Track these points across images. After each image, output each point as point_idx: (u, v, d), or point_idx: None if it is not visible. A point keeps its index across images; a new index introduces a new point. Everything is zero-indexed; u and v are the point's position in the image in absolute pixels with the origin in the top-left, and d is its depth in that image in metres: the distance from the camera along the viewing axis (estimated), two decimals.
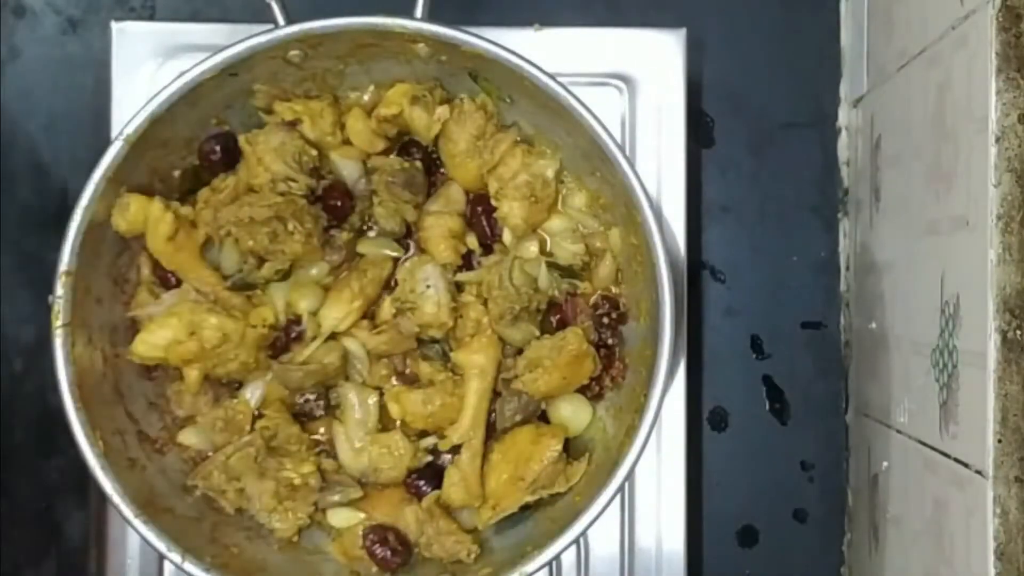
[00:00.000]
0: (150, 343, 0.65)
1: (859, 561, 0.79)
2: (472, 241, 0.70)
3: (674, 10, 0.81)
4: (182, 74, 0.62)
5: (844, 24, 0.82)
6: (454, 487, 0.68)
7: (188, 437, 0.68)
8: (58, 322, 0.61)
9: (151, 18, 0.79)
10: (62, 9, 0.80)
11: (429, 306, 0.67)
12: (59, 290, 0.61)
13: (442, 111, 0.67)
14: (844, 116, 0.82)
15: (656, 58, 0.73)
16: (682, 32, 0.73)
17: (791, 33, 0.82)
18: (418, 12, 0.63)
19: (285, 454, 0.67)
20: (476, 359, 0.68)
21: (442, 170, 0.70)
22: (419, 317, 0.67)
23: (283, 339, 0.68)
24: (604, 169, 0.64)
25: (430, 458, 0.69)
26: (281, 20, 0.63)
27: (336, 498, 0.68)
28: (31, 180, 0.79)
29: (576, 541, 0.63)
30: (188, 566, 0.61)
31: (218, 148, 0.67)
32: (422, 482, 0.69)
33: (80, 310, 0.63)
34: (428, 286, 0.67)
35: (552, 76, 0.63)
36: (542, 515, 0.67)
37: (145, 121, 0.62)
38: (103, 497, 0.62)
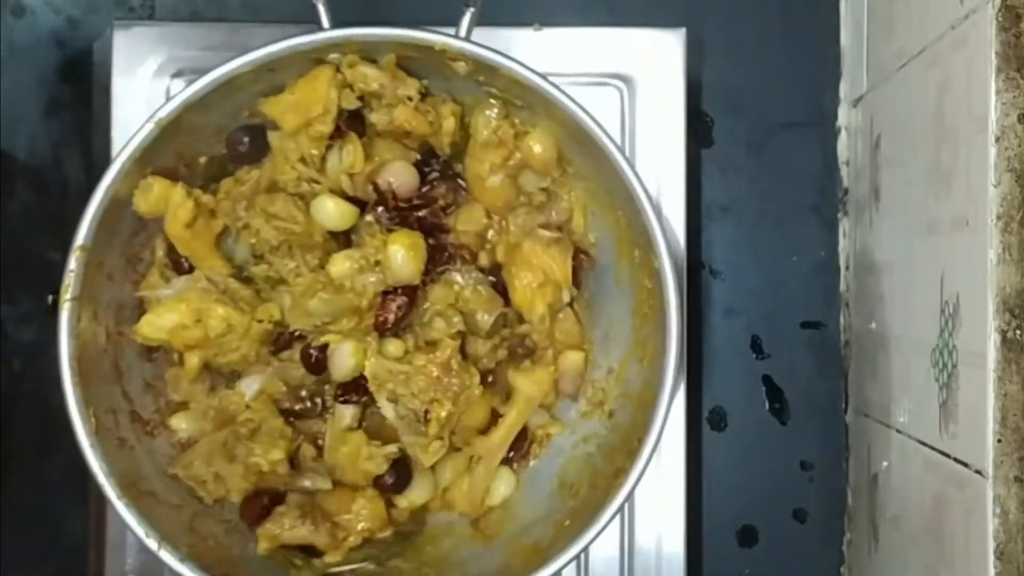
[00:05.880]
0: (156, 325, 0.65)
1: (859, 561, 0.79)
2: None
3: (674, 10, 0.81)
4: (220, 64, 0.62)
5: (844, 24, 0.82)
6: (461, 495, 0.68)
7: (179, 422, 0.68)
8: (67, 295, 0.61)
9: (151, 18, 0.79)
10: (62, 9, 0.79)
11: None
12: (72, 264, 0.61)
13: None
14: (844, 116, 0.82)
15: (656, 58, 0.73)
16: (682, 32, 0.73)
17: (791, 33, 0.82)
18: (462, 31, 0.63)
19: (257, 440, 0.67)
20: (529, 387, 0.69)
21: (464, 187, 0.70)
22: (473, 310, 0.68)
23: (286, 336, 0.68)
24: (626, 207, 0.64)
25: (387, 466, 0.68)
26: (326, 23, 0.63)
27: (307, 483, 0.68)
28: (31, 180, 0.79)
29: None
30: (164, 554, 0.61)
31: (246, 139, 0.67)
32: (391, 480, 0.68)
33: (90, 285, 0.62)
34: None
35: (594, 118, 0.62)
36: (522, 545, 0.67)
37: (179, 107, 0.62)
38: (103, 497, 0.62)
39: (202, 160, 0.67)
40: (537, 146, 0.67)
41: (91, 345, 0.63)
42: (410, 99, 0.65)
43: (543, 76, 0.62)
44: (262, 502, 0.67)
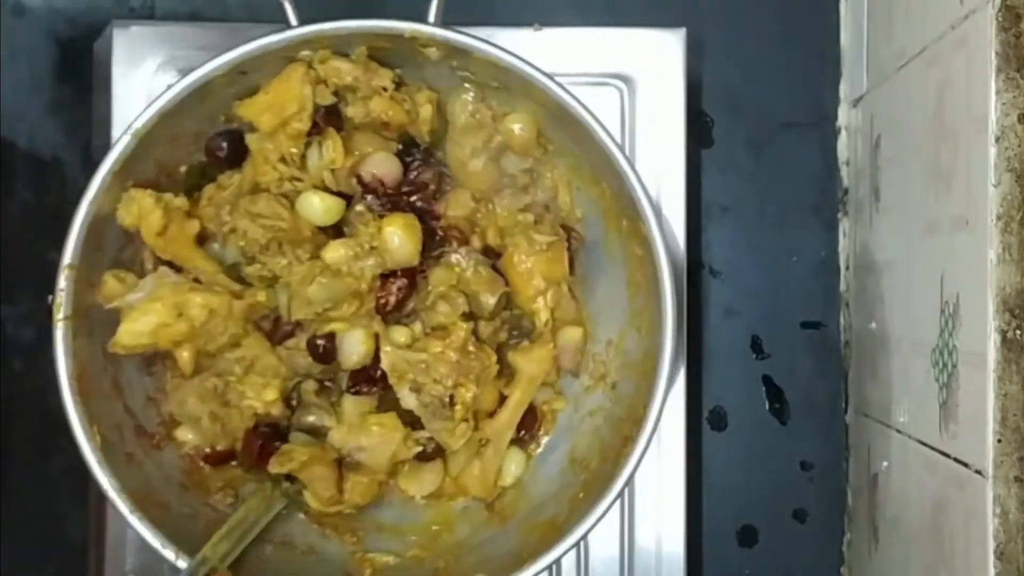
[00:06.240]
0: (135, 331, 0.64)
1: (859, 561, 0.79)
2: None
3: (674, 10, 0.81)
4: (193, 70, 0.62)
5: (844, 24, 0.82)
6: (473, 479, 0.68)
7: (184, 433, 0.68)
8: (59, 315, 0.61)
9: (151, 18, 0.79)
10: (62, 9, 0.79)
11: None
12: (62, 283, 0.61)
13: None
14: (844, 116, 0.82)
15: (656, 58, 0.73)
16: (682, 32, 0.73)
17: (791, 33, 0.82)
18: (431, 17, 0.63)
19: (248, 383, 0.67)
20: (530, 367, 0.69)
21: (448, 174, 0.70)
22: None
23: (289, 325, 0.68)
24: (610, 178, 0.64)
25: (419, 449, 0.68)
26: (293, 20, 0.63)
27: (312, 419, 0.68)
28: (31, 180, 0.79)
29: (575, 546, 0.63)
30: (182, 563, 0.61)
31: (225, 145, 0.67)
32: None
33: (82, 303, 0.62)
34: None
35: (571, 92, 0.63)
36: (538, 522, 0.67)
37: (155, 116, 0.62)
38: (103, 497, 0.62)
39: (182, 169, 0.67)
40: (516, 127, 0.67)
41: (89, 363, 0.63)
42: (385, 89, 0.66)
43: (514, 54, 0.62)
44: (258, 441, 0.67)
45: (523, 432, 0.71)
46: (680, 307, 0.64)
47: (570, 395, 0.72)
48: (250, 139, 0.66)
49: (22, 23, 0.79)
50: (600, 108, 0.63)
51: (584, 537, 0.63)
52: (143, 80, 0.71)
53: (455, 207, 0.69)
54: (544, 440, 0.72)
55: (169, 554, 0.61)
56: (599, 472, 0.66)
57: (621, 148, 0.63)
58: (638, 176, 0.63)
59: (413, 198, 0.68)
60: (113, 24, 0.71)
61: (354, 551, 0.69)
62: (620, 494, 0.63)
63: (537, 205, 0.70)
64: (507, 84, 0.65)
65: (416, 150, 0.69)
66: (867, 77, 0.78)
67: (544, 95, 0.63)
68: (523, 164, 0.69)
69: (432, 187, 0.69)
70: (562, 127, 0.65)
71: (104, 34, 0.72)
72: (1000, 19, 0.54)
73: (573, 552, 0.72)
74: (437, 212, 0.69)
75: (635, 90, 0.73)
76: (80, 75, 0.78)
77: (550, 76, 0.63)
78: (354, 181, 0.67)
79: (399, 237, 0.66)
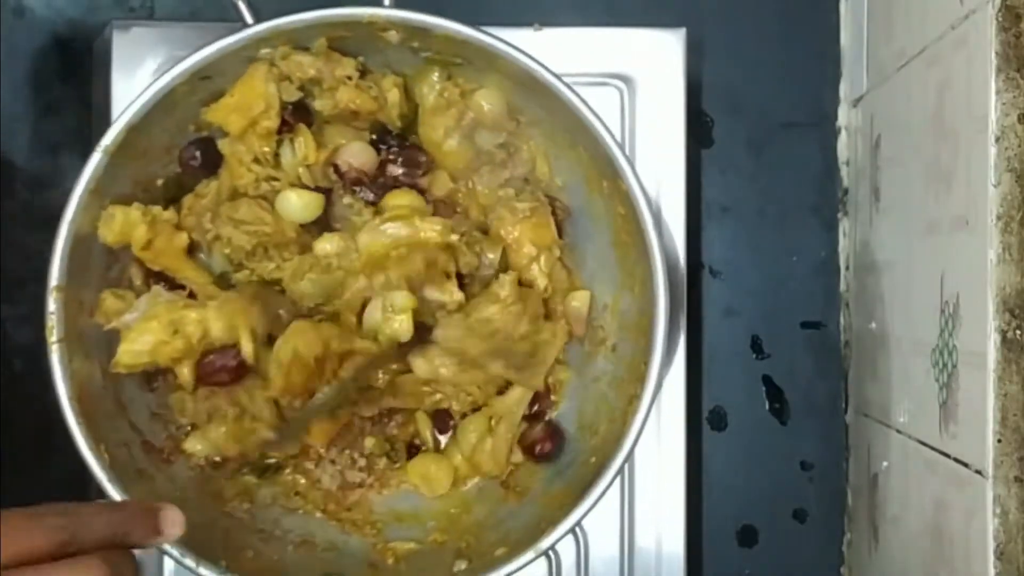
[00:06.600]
0: (134, 351, 0.64)
1: (859, 561, 0.79)
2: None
3: (674, 10, 0.81)
4: (154, 81, 0.62)
5: (844, 24, 0.82)
6: (486, 457, 0.69)
7: (194, 444, 0.68)
8: (53, 338, 0.61)
9: (151, 18, 0.79)
10: (62, 9, 0.79)
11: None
12: (51, 306, 0.61)
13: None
14: (844, 116, 0.82)
15: (656, 58, 0.73)
16: (682, 32, 0.73)
17: (791, 33, 0.82)
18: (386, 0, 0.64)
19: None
20: None
21: (424, 158, 0.70)
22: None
23: None
24: (585, 141, 0.65)
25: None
26: (249, 19, 0.63)
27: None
28: (31, 180, 0.79)
29: (591, 509, 0.63)
30: (204, 571, 0.61)
31: (198, 153, 0.67)
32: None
33: (74, 324, 0.62)
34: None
35: (535, 58, 0.63)
36: (554, 492, 0.68)
37: (122, 131, 0.62)
38: (103, 497, 0.62)
39: (159, 183, 0.67)
40: (485, 103, 0.68)
41: (88, 383, 0.63)
42: (349, 78, 0.66)
43: (470, 25, 0.63)
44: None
45: (532, 406, 0.71)
46: (680, 295, 0.64)
47: (573, 364, 0.72)
48: (222, 144, 0.66)
49: (22, 23, 0.79)
50: (600, 108, 0.63)
51: (601, 497, 0.63)
52: (143, 80, 0.70)
53: (434, 188, 0.70)
54: (552, 412, 0.72)
55: (190, 562, 0.61)
56: (608, 435, 0.67)
57: (586, 103, 0.63)
58: (608, 129, 0.63)
59: (400, 173, 0.69)
60: (113, 24, 0.71)
61: (375, 542, 0.70)
62: (631, 453, 0.63)
63: (516, 179, 0.70)
64: (470, 59, 0.65)
65: (389, 137, 0.69)
66: (867, 77, 0.78)
67: (508, 65, 0.63)
68: (497, 139, 0.69)
69: (423, 169, 0.69)
70: (531, 96, 0.66)
71: (104, 34, 0.72)
72: (1000, 19, 0.54)
73: (573, 552, 0.72)
74: (422, 186, 0.70)
75: (635, 90, 0.73)
76: (80, 75, 0.78)
77: (508, 43, 0.63)
78: (331, 172, 0.67)
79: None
